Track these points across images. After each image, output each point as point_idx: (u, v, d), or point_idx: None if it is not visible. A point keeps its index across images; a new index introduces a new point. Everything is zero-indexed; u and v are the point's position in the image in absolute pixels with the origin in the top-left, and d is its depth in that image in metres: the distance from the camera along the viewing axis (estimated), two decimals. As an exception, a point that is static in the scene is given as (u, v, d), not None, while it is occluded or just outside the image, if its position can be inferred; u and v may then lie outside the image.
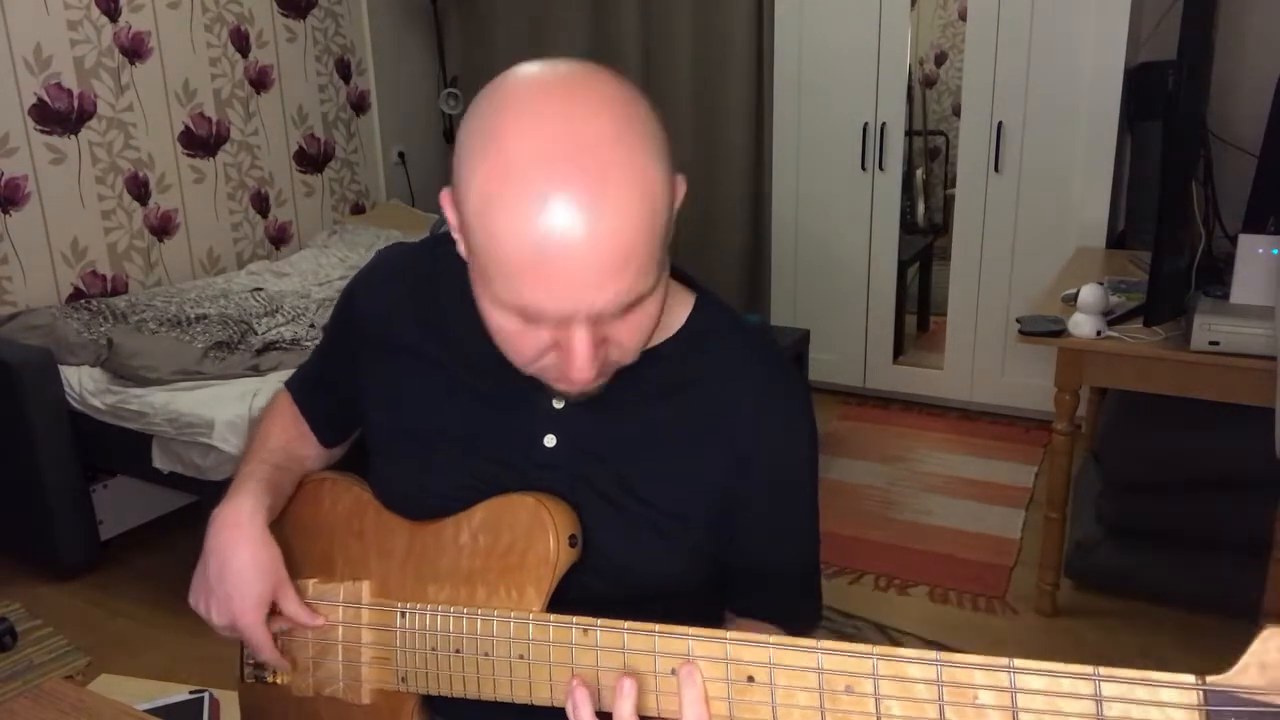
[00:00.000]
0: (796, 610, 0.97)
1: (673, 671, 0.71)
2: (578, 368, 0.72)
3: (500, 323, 0.75)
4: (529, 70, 0.71)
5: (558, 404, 0.88)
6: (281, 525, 1.00)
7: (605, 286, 0.68)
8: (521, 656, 0.79)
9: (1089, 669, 0.59)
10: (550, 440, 0.88)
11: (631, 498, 0.87)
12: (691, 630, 0.71)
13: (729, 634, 0.70)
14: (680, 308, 0.90)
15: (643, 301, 0.73)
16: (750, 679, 0.69)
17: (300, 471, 1.04)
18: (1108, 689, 0.59)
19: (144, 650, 2.27)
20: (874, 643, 0.68)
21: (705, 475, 0.87)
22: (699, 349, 0.89)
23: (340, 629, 0.93)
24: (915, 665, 0.63)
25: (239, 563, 0.91)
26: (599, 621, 0.75)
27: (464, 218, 0.71)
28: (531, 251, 0.67)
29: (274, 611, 0.94)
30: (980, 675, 0.62)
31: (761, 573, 0.93)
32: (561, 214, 0.65)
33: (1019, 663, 0.61)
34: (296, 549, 0.98)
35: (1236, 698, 0.55)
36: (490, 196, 0.67)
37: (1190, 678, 0.57)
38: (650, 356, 0.86)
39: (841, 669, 0.66)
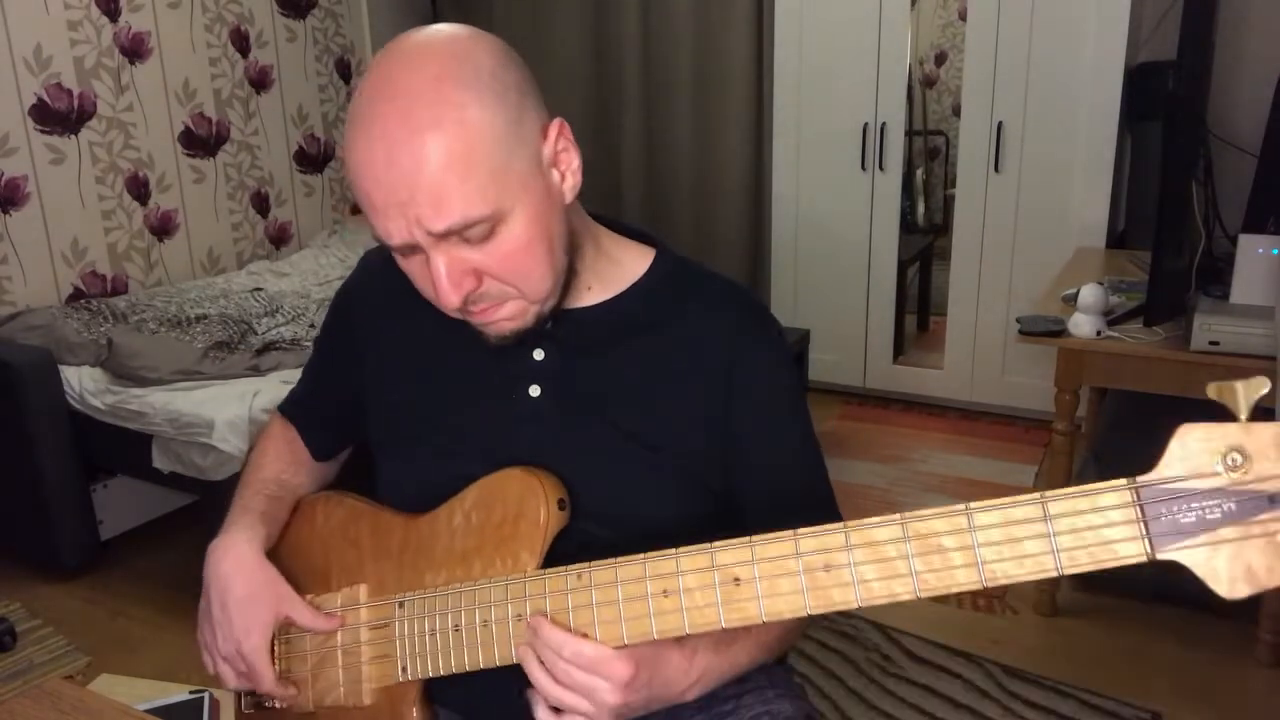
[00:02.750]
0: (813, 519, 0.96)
1: (665, 593, 0.75)
2: (440, 292, 0.79)
3: (402, 266, 0.84)
4: (397, 38, 0.80)
5: (538, 355, 0.92)
6: (278, 548, 1.01)
7: (424, 208, 0.76)
8: (520, 616, 0.81)
9: (1035, 495, 0.65)
10: (535, 390, 0.92)
11: (619, 435, 0.90)
12: (679, 550, 0.75)
13: (714, 545, 0.75)
14: (641, 260, 0.95)
15: (496, 232, 0.79)
16: (736, 580, 0.73)
17: (293, 500, 1.05)
18: (1054, 507, 0.65)
19: (144, 650, 2.27)
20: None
21: (688, 405, 0.91)
22: (665, 289, 0.94)
23: (339, 634, 0.94)
24: (882, 529, 0.69)
25: (239, 590, 0.93)
26: (591, 565, 0.78)
27: None
28: (361, 184, 0.77)
29: (281, 635, 0.96)
30: (941, 523, 0.68)
31: (771, 500, 0.94)
32: (376, 147, 0.75)
33: (974, 505, 0.67)
34: (294, 569, 0.99)
35: (1165, 490, 0.63)
36: (344, 144, 0.79)
37: (1122, 481, 0.64)
38: (619, 301, 0.92)
39: (818, 548, 0.71)
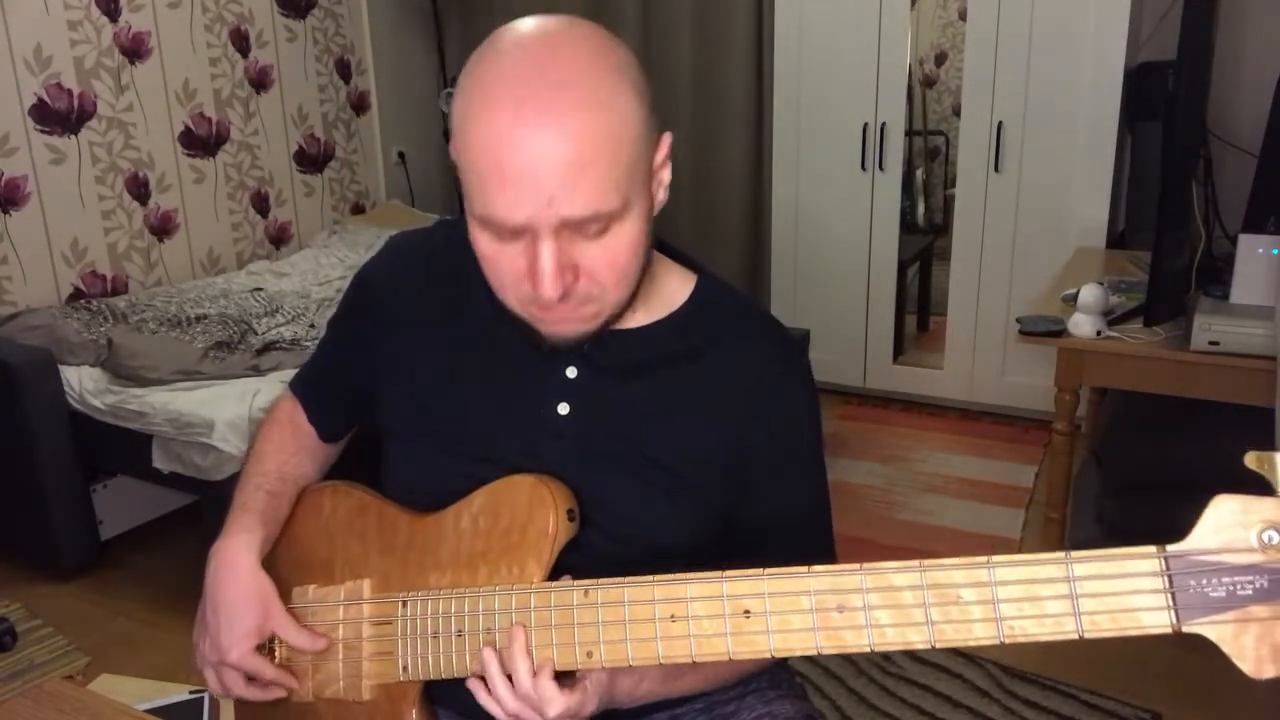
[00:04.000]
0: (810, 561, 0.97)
1: (673, 618, 0.74)
2: (544, 282, 0.76)
3: (484, 249, 0.80)
4: (519, 20, 0.78)
5: (571, 373, 0.91)
6: (284, 536, 1.01)
7: (564, 187, 0.73)
8: (524, 626, 0.80)
9: (1060, 554, 0.63)
10: (564, 408, 0.91)
11: (643, 460, 0.90)
12: (689, 575, 0.74)
13: (725, 573, 0.73)
14: (684, 285, 0.94)
15: (609, 229, 0.77)
16: (746, 613, 0.72)
17: (295, 493, 1.04)
18: (1079, 569, 0.63)
19: (144, 650, 2.27)
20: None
21: (713, 435, 0.90)
22: (704, 319, 0.93)
23: (340, 628, 0.94)
24: (900, 574, 0.68)
25: (229, 598, 0.93)
26: (599, 581, 0.77)
27: (454, 152, 0.78)
28: (493, 154, 0.73)
29: (272, 649, 0.96)
30: (960, 574, 0.66)
31: (772, 526, 0.94)
32: (521, 119, 0.72)
33: (997, 559, 0.65)
34: (299, 557, 0.99)
35: (1195, 561, 0.60)
36: (465, 114, 0.75)
37: (1152, 548, 0.61)
38: (658, 327, 0.91)
39: (832, 588, 0.70)
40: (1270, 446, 1.73)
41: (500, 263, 0.79)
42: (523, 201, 0.73)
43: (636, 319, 0.91)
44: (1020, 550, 2.61)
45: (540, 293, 0.77)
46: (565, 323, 0.82)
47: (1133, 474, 2.31)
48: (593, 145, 0.72)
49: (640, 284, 0.85)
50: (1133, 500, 2.32)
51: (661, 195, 0.84)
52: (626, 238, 0.78)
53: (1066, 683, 2.04)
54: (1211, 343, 1.96)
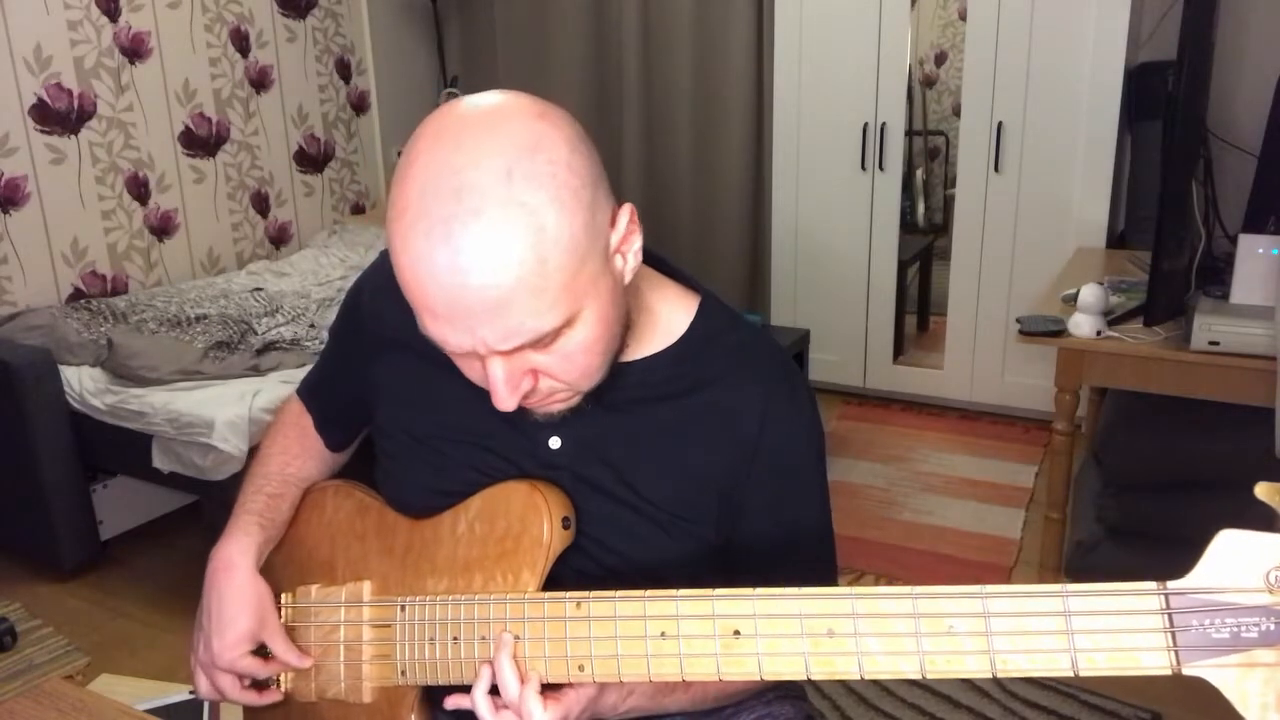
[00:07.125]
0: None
1: (663, 635, 0.73)
2: (497, 397, 0.75)
3: (451, 357, 0.78)
4: (450, 107, 0.72)
5: None
6: (287, 535, 1.01)
7: (490, 325, 0.70)
8: (517, 637, 0.80)
9: (1057, 587, 0.61)
10: (555, 442, 0.89)
11: (635, 496, 0.88)
12: (679, 592, 0.73)
13: (715, 591, 0.72)
14: (684, 312, 0.91)
15: (561, 335, 0.73)
16: (736, 633, 0.71)
17: (297, 494, 1.04)
18: (1075, 603, 0.61)
19: (144, 650, 2.27)
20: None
21: (709, 473, 0.89)
22: (703, 352, 0.90)
23: (342, 629, 0.94)
24: (891, 601, 0.66)
25: (225, 603, 0.94)
26: (590, 594, 0.77)
27: None
28: (418, 289, 0.70)
29: (265, 655, 0.97)
30: (953, 604, 0.64)
31: (770, 558, 0.92)
32: (439, 254, 0.67)
33: (990, 589, 0.63)
34: (302, 557, 0.99)
35: (1198, 600, 0.58)
36: (392, 235, 0.70)
37: (1152, 585, 0.59)
38: (655, 361, 0.89)
39: (822, 612, 0.68)
40: (1270, 446, 1.72)
41: (465, 369, 0.78)
42: (454, 335, 0.71)
43: (633, 351, 0.88)
44: (1021, 550, 2.61)
45: (496, 405, 0.75)
46: (540, 408, 0.82)
47: (1133, 474, 2.30)
48: (512, 283, 0.68)
49: (627, 333, 0.84)
50: (1133, 500, 2.32)
51: (632, 261, 0.79)
52: (581, 340, 0.75)
53: (1066, 683, 2.04)
54: (1211, 343, 1.96)
